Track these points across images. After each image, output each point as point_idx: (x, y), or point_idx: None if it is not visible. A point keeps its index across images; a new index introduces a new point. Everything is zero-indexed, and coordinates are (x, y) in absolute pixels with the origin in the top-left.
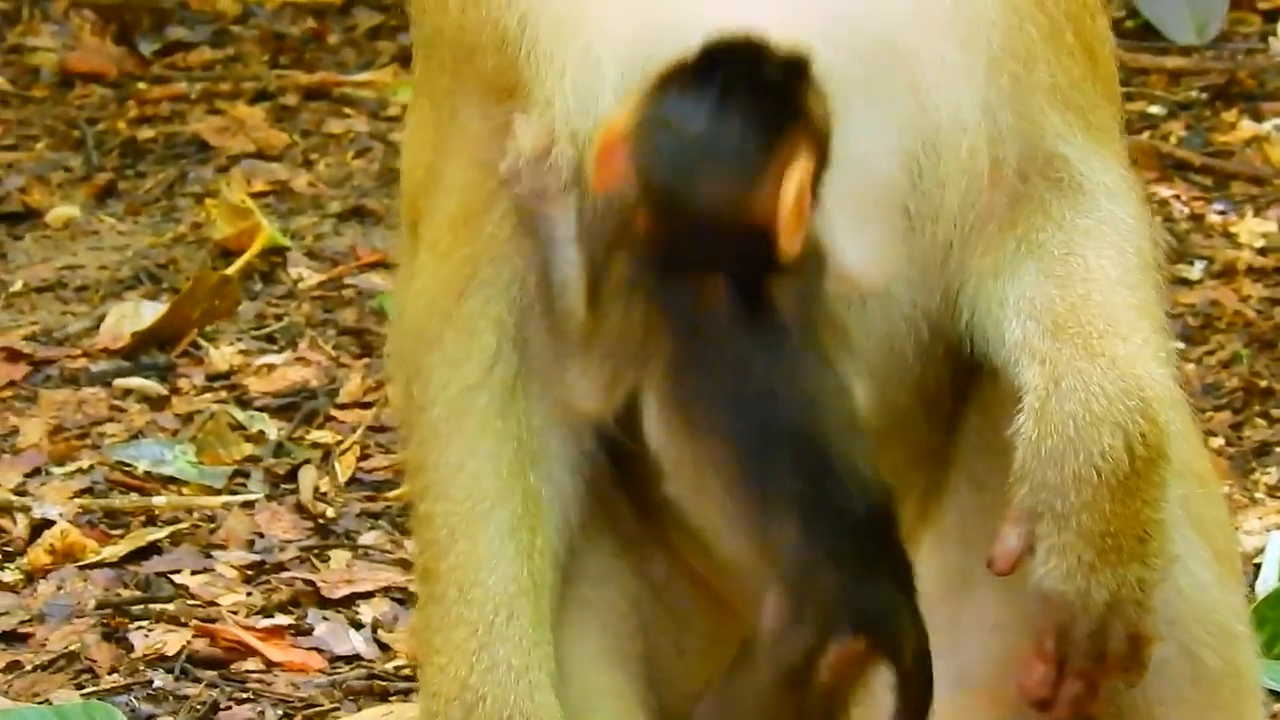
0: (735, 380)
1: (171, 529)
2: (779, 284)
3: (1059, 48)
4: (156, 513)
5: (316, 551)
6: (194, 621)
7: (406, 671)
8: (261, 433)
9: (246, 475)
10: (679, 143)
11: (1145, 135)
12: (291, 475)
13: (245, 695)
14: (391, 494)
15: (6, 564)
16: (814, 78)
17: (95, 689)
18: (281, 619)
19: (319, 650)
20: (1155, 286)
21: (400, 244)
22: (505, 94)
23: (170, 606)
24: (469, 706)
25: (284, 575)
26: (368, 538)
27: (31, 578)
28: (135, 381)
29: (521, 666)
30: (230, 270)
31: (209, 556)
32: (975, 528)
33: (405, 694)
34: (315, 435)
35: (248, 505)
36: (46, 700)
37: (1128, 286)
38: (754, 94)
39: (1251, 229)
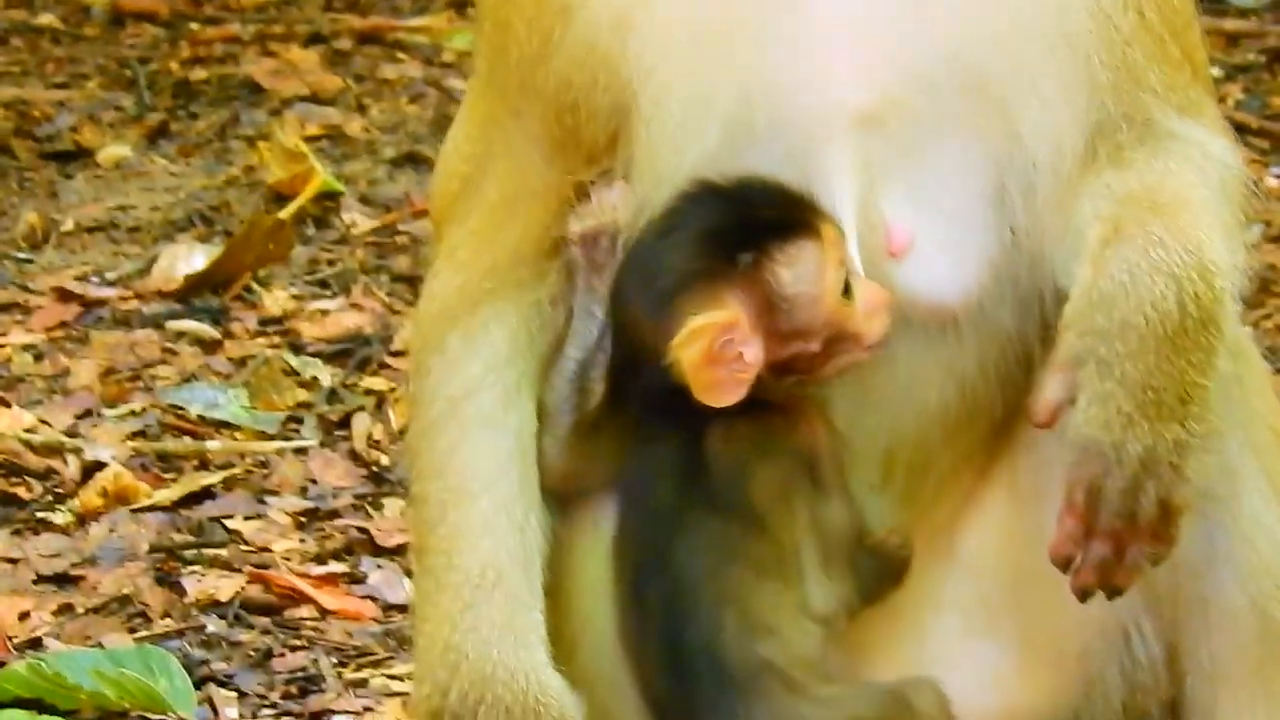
0: (641, 519)
1: (224, 474)
2: (727, 445)
3: (1165, 62)
4: (209, 457)
5: (370, 499)
6: (247, 567)
7: None
8: (315, 379)
9: (300, 421)
10: (629, 262)
11: None
12: (345, 422)
13: (299, 643)
14: None
15: (58, 505)
16: (796, 236)
17: (148, 633)
18: (335, 567)
19: (373, 599)
20: (1238, 214)
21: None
22: (574, 150)
23: (223, 552)
24: (453, 666)
25: (337, 523)
26: None
27: (83, 520)
28: (188, 324)
29: (506, 625)
30: (284, 214)
31: (262, 502)
32: (1033, 488)
33: None
34: (369, 382)
35: (301, 451)
36: (99, 644)
37: (1206, 189)
38: (697, 235)
39: None
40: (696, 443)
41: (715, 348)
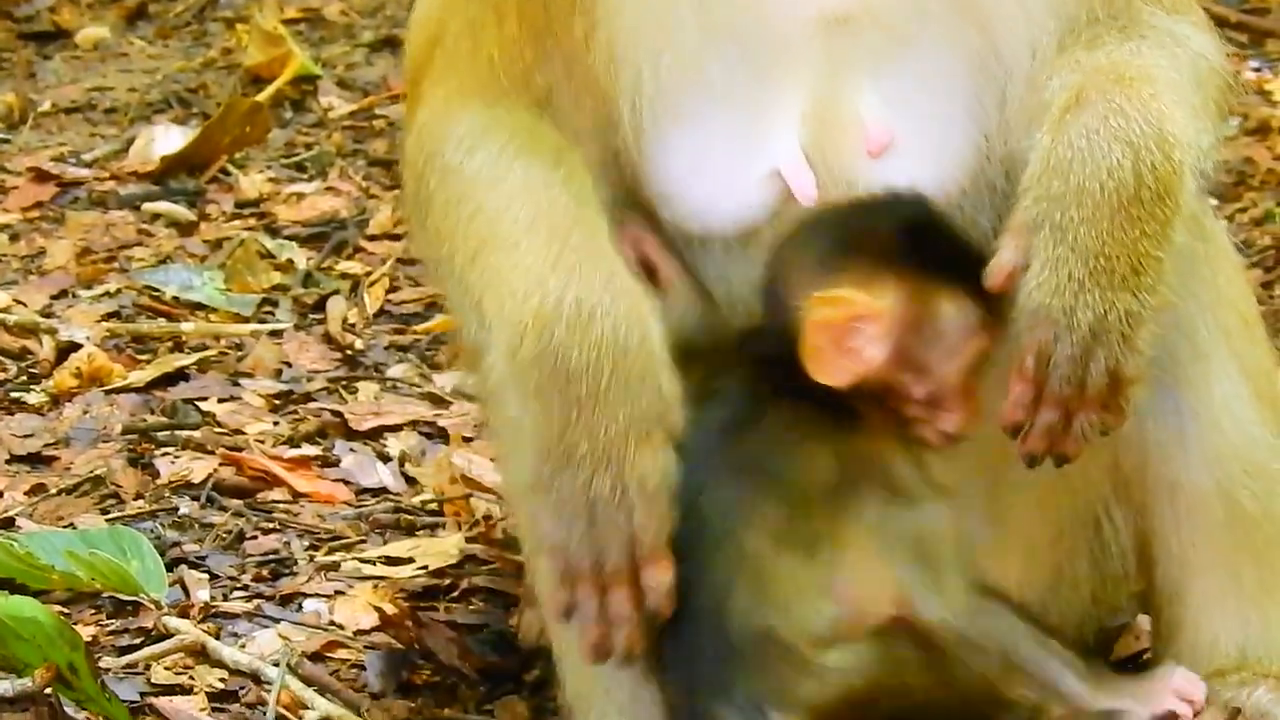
0: (700, 466)
1: (199, 356)
2: (793, 419)
3: None
4: (184, 339)
5: (344, 383)
6: (220, 449)
7: (433, 506)
8: (290, 261)
9: (275, 304)
10: (843, 207)
11: None
12: (320, 305)
13: (271, 525)
14: (420, 327)
15: (32, 386)
16: (978, 297)
17: (120, 514)
18: (308, 450)
19: (345, 482)
20: (1209, 102)
21: (405, 104)
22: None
23: (197, 434)
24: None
25: (311, 406)
26: (396, 370)
27: (57, 400)
28: (164, 206)
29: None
30: (261, 97)
31: (236, 385)
32: (1006, 377)
33: (431, 529)
34: (344, 266)
35: (275, 334)
36: (71, 524)
37: (1175, 71)
38: (912, 225)
39: None
40: (759, 404)
41: (844, 326)
